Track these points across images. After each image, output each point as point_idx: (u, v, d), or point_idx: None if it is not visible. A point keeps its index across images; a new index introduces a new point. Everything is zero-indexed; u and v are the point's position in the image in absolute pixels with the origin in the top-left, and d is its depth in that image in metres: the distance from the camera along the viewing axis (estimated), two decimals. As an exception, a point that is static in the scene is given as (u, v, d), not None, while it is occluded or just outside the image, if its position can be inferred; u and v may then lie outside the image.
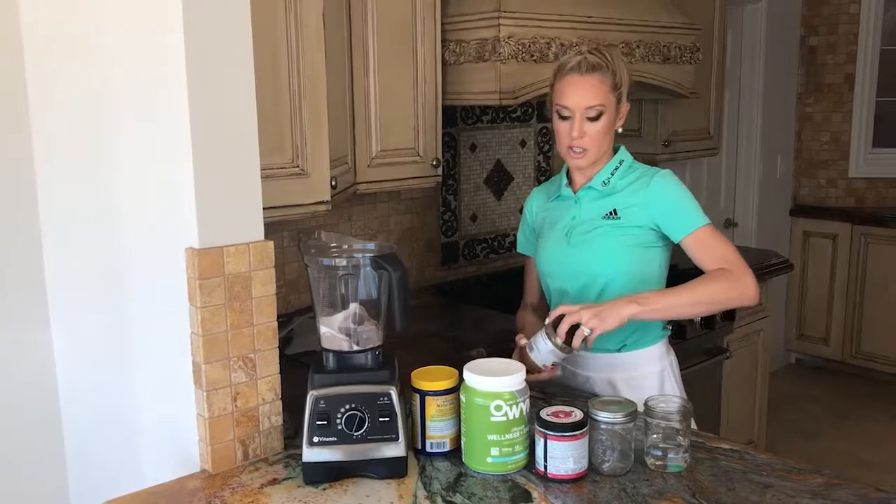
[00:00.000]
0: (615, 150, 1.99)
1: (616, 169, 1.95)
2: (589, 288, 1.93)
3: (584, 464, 1.52)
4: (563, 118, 1.89)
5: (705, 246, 1.86)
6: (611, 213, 1.92)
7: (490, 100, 2.50)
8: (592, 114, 1.86)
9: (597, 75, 1.86)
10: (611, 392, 1.94)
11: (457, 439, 1.61)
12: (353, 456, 1.52)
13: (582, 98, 1.86)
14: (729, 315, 3.12)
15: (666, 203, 1.89)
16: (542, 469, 1.52)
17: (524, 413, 1.54)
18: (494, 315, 2.60)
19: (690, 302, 1.81)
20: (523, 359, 1.79)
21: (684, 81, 3.05)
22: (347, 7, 2.23)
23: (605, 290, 1.91)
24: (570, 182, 2.02)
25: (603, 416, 1.54)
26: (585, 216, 1.96)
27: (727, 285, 1.81)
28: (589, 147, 1.89)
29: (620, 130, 1.95)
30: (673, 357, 2.05)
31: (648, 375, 1.97)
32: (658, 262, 1.94)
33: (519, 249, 2.19)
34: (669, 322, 2.06)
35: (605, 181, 1.94)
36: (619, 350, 1.97)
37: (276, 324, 1.62)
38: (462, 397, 1.57)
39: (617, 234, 1.90)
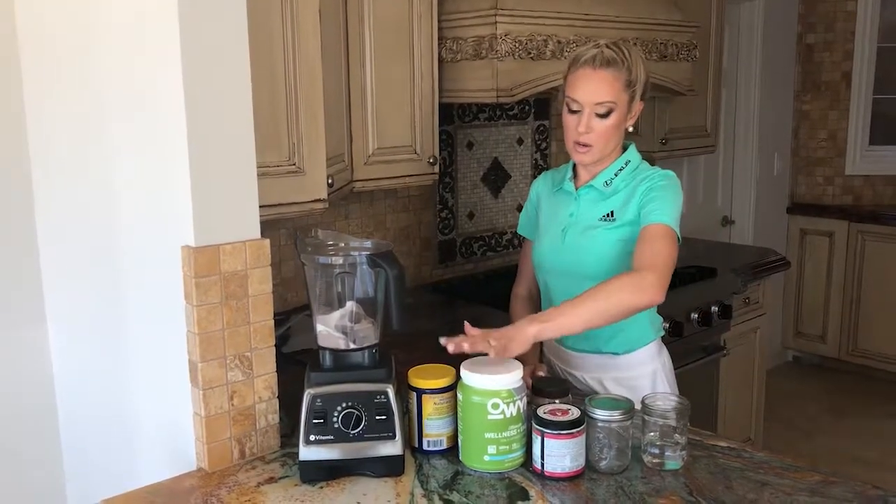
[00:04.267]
0: (624, 149, 1.94)
1: (621, 170, 1.91)
2: (580, 288, 1.88)
3: (581, 462, 1.52)
4: (572, 112, 1.85)
5: (649, 241, 1.77)
6: (607, 216, 1.89)
7: (487, 97, 2.50)
8: (602, 110, 1.82)
9: (611, 70, 1.81)
10: (602, 392, 1.93)
11: (454, 437, 1.61)
12: (349, 454, 1.52)
13: (593, 93, 1.81)
14: (726, 313, 3.12)
15: (650, 192, 1.83)
16: (539, 467, 1.52)
17: (521, 411, 1.54)
18: (492, 313, 2.59)
19: (593, 313, 1.70)
20: None
21: (682, 79, 3.05)
22: (343, 5, 2.23)
23: None
24: (575, 176, 1.97)
25: (600, 413, 1.54)
26: (583, 216, 1.93)
27: (627, 287, 1.70)
28: (594, 143, 1.84)
29: (631, 129, 1.90)
30: (666, 357, 2.04)
31: (640, 377, 1.96)
32: None
33: (519, 230, 2.14)
34: (663, 322, 2.06)
35: (608, 182, 1.90)
36: (611, 352, 1.96)
37: (272, 322, 1.62)
38: (459, 395, 1.57)
39: (611, 238, 1.87)
